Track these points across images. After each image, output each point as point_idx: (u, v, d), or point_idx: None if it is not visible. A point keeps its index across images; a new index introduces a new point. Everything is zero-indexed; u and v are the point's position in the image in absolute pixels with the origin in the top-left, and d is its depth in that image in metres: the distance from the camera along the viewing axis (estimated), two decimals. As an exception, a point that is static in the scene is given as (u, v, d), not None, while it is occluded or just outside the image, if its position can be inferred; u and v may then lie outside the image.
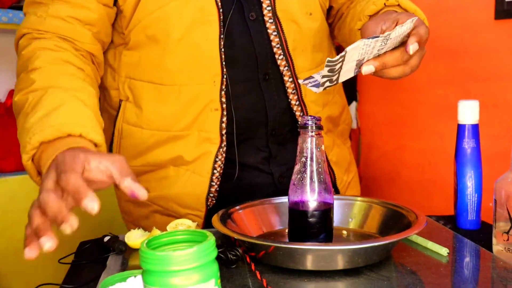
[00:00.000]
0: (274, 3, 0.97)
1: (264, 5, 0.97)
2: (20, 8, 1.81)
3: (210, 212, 1.01)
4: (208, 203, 1.01)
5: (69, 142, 0.72)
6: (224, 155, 0.99)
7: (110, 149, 1.05)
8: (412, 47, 0.77)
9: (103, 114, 1.08)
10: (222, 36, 0.94)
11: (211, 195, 1.00)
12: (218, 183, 1.00)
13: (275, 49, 0.98)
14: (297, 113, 1.03)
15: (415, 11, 0.93)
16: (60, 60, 0.88)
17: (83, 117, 0.78)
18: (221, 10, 0.94)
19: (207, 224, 1.02)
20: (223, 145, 0.98)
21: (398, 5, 0.94)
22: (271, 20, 0.97)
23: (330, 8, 1.12)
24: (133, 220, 1.08)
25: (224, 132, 0.98)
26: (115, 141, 1.04)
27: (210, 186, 0.99)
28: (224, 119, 0.98)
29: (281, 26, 0.97)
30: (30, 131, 0.74)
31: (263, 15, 0.97)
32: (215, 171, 0.99)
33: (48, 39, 0.90)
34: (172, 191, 1.01)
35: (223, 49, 0.95)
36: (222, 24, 0.94)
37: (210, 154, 0.98)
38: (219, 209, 0.99)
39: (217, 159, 0.98)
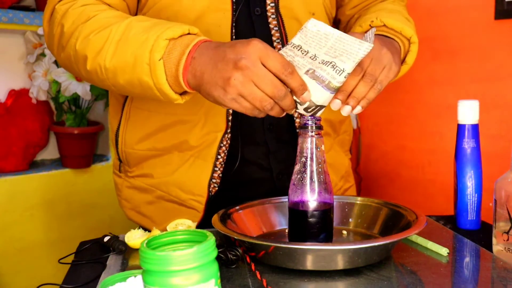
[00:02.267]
0: (278, 0, 0.98)
1: (268, 1, 0.99)
2: (20, 8, 1.80)
3: (211, 200, 1.02)
4: (210, 189, 1.01)
5: (194, 37, 0.77)
6: (229, 141, 1.00)
7: (117, 132, 1.06)
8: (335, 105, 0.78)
9: (112, 99, 1.09)
10: (233, 24, 0.96)
11: (214, 180, 1.01)
12: (221, 169, 1.01)
13: (275, 44, 0.99)
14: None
15: (402, 29, 0.94)
16: (110, 8, 0.91)
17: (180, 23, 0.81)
18: (234, 1, 0.95)
19: (207, 211, 1.02)
20: (228, 131, 0.99)
21: (384, 25, 0.95)
22: (273, 16, 0.99)
23: (339, 22, 1.15)
24: (133, 207, 1.09)
25: (230, 118, 0.99)
26: (122, 123, 1.05)
27: (213, 171, 1.00)
28: None
29: (282, 22, 0.99)
30: (149, 35, 0.78)
31: (266, 11, 0.99)
32: (219, 157, 1.00)
33: None
34: (175, 176, 1.01)
35: (234, 37, 0.96)
36: (234, 13, 0.96)
37: (215, 139, 0.99)
38: (220, 200, 0.99)
39: (222, 145, 0.99)
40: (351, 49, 0.73)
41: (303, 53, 0.75)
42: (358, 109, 0.79)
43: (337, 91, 0.77)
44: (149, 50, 0.77)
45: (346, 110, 0.78)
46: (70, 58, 0.88)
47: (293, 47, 0.75)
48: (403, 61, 0.96)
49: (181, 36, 0.78)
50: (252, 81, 0.71)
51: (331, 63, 0.74)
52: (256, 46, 0.71)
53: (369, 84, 0.79)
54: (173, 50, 0.77)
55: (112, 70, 0.82)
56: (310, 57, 0.75)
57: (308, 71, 0.75)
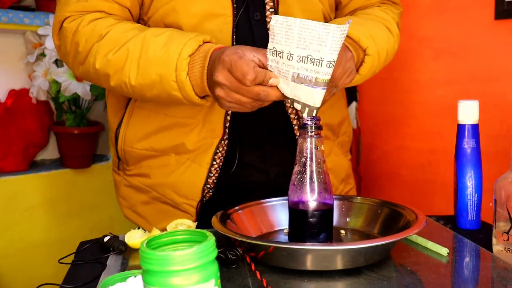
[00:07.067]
0: (277, 5, 0.99)
1: (268, 7, 0.99)
2: (20, 8, 1.80)
3: (204, 205, 1.02)
4: (204, 194, 1.01)
5: (209, 47, 0.84)
6: (225, 148, 1.00)
7: (117, 131, 1.06)
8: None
9: (112, 99, 1.10)
10: (234, 30, 0.96)
11: (208, 186, 1.01)
12: (216, 175, 1.01)
13: None
14: (290, 110, 1.03)
15: (359, 39, 0.93)
16: (118, 21, 0.93)
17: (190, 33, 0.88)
18: (234, 6, 0.96)
19: (200, 215, 1.02)
20: (225, 137, 0.99)
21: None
22: None
23: None
24: (130, 206, 1.09)
25: (227, 125, 0.99)
26: (124, 121, 1.06)
27: (208, 177, 1.00)
28: (230, 111, 0.98)
29: None
30: (170, 54, 0.84)
31: (266, 16, 0.99)
32: (214, 163, 1.00)
33: (94, 13, 0.94)
34: (171, 179, 1.02)
35: (235, 43, 0.97)
36: (234, 19, 0.96)
37: (211, 145, 0.99)
38: (215, 204, 1.00)
39: (218, 151, 0.99)
40: (319, 34, 0.72)
41: (280, 57, 0.75)
42: None
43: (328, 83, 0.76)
44: (173, 69, 0.84)
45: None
46: (90, 74, 0.93)
47: (270, 54, 0.77)
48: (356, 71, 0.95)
49: (197, 48, 0.84)
50: (232, 91, 0.80)
51: (307, 57, 0.73)
52: (223, 62, 0.79)
53: (331, 89, 0.83)
54: (195, 64, 0.84)
55: (138, 87, 0.88)
56: (287, 58, 0.75)
57: (293, 76, 0.75)
